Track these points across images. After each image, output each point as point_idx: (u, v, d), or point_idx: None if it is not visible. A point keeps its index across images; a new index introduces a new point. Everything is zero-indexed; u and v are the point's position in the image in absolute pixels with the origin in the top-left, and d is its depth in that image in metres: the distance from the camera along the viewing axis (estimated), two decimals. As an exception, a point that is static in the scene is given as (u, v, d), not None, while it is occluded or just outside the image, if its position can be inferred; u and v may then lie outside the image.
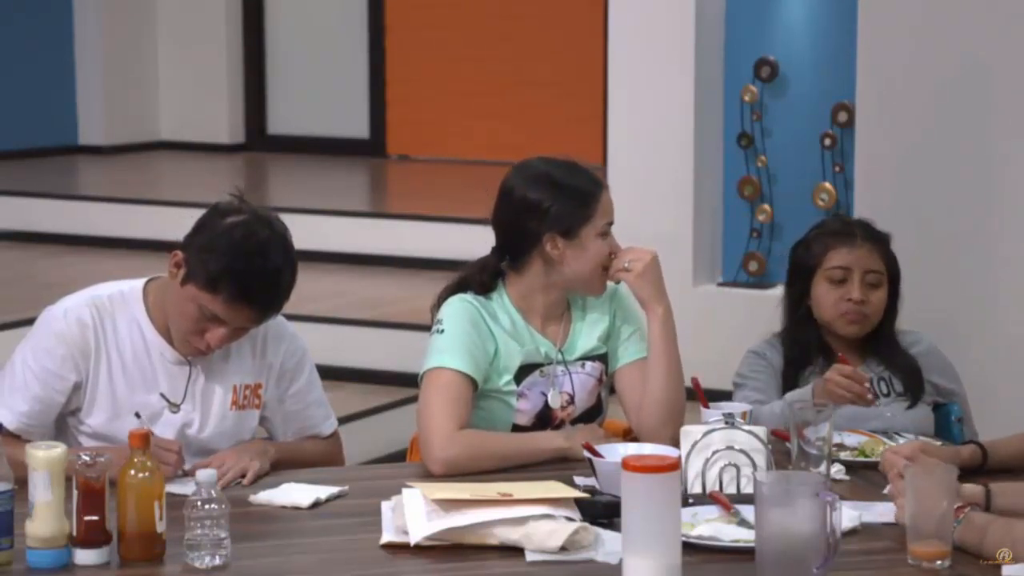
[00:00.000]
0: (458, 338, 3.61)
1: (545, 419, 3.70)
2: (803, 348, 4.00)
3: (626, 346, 3.78)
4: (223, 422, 3.56)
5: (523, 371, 3.68)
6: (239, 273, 3.37)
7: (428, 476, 3.47)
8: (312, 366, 3.72)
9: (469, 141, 10.66)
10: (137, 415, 3.47)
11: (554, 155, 3.77)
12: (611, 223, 3.70)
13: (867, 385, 3.80)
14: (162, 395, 3.52)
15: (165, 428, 3.49)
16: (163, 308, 3.50)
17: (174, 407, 3.52)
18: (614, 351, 3.79)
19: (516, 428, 3.68)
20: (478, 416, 3.66)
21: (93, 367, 3.47)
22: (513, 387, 3.67)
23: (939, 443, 3.62)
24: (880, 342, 4.01)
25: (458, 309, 3.66)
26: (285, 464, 3.55)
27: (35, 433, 3.41)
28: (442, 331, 3.63)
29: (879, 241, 4.05)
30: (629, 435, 3.84)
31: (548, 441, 3.59)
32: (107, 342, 3.48)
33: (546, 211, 3.64)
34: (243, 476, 3.41)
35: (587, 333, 3.77)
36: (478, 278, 3.72)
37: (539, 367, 3.69)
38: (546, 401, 3.69)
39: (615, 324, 3.79)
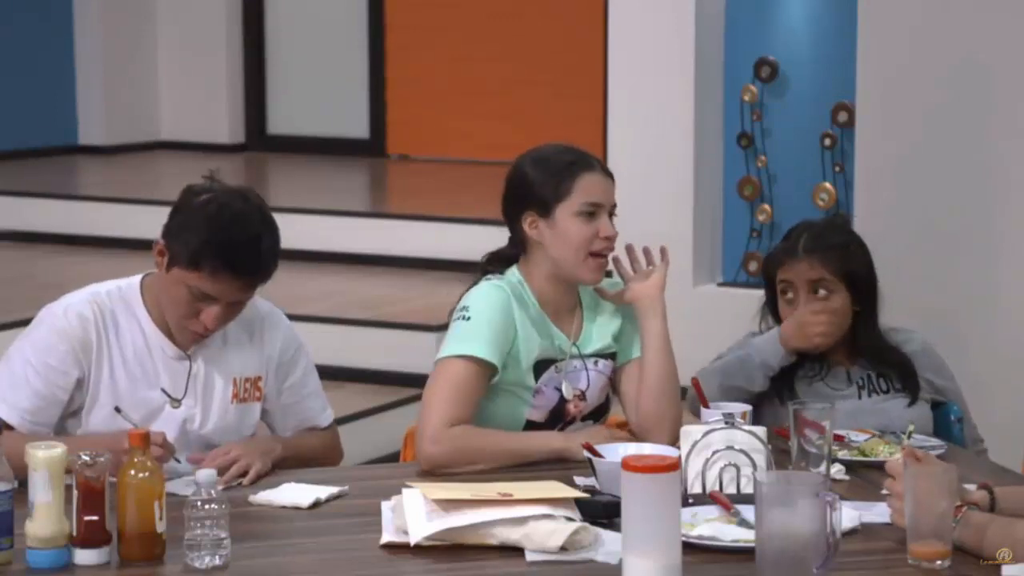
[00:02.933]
0: (483, 325, 3.58)
1: (558, 415, 3.70)
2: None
3: (632, 343, 3.78)
4: (225, 416, 3.56)
5: (540, 366, 3.67)
6: (218, 245, 3.37)
7: (428, 476, 3.47)
8: (308, 358, 3.72)
9: (469, 141, 10.66)
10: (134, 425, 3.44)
11: (566, 143, 3.75)
12: (597, 205, 3.63)
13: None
14: (163, 390, 3.51)
15: (166, 424, 3.48)
16: (160, 302, 3.50)
17: (175, 402, 3.52)
18: (624, 348, 3.78)
19: (530, 424, 3.67)
20: (493, 411, 3.65)
21: (95, 362, 3.46)
22: (532, 383, 3.65)
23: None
24: (864, 346, 4.00)
25: (487, 294, 3.63)
26: (290, 462, 3.55)
27: (36, 432, 3.40)
28: (468, 318, 3.60)
29: (826, 249, 3.96)
30: (624, 429, 3.85)
31: (544, 442, 3.58)
32: (108, 338, 3.48)
33: (520, 186, 3.65)
34: (244, 475, 3.41)
35: (600, 330, 3.76)
36: (491, 269, 3.71)
37: (554, 363, 3.68)
38: (560, 396, 3.69)
39: (625, 324, 3.78)
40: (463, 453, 3.50)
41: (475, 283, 3.71)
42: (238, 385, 3.58)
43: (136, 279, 3.56)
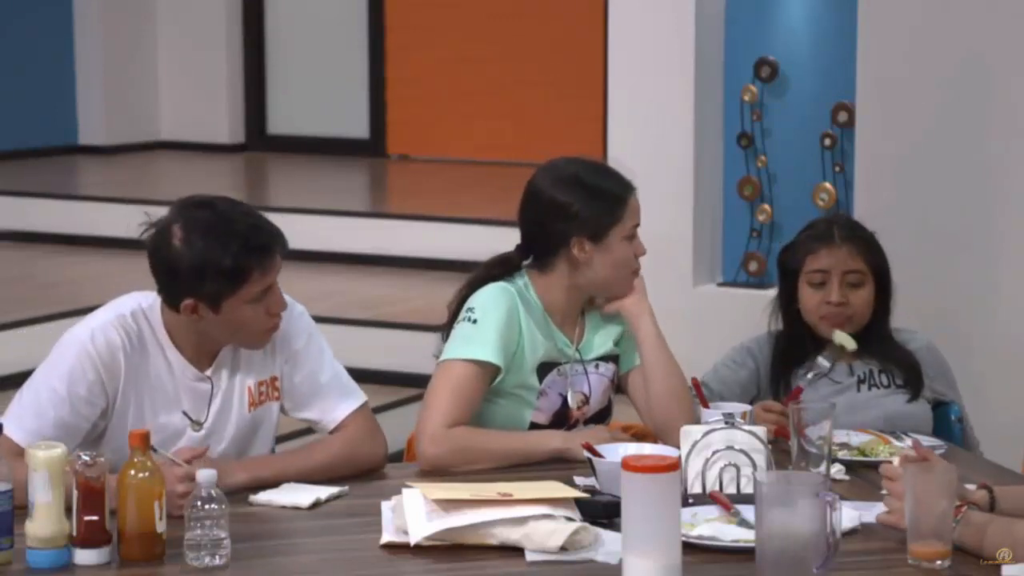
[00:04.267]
0: (489, 327, 3.59)
1: (562, 418, 3.71)
2: (795, 349, 4.01)
3: (634, 349, 3.79)
4: (241, 429, 3.50)
5: (543, 369, 3.68)
6: (241, 251, 3.31)
7: (428, 475, 3.47)
8: (321, 345, 3.60)
9: (469, 141, 10.66)
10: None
11: (582, 156, 3.78)
12: (638, 225, 3.71)
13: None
14: (184, 413, 3.45)
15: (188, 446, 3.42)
16: (181, 330, 3.40)
17: (196, 425, 3.46)
18: (625, 352, 3.79)
19: (534, 426, 3.68)
20: (497, 414, 3.66)
21: (122, 389, 3.38)
22: (536, 385, 3.66)
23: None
24: (874, 339, 4.02)
25: (494, 297, 3.64)
26: (292, 479, 3.41)
27: None
28: (474, 320, 3.61)
29: (860, 240, 4.03)
30: (629, 432, 3.85)
31: (544, 442, 3.58)
32: (135, 362, 3.39)
33: (575, 214, 3.65)
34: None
35: (603, 335, 3.77)
36: (496, 272, 3.71)
37: (557, 366, 3.69)
38: (564, 400, 3.69)
39: (627, 329, 3.78)
40: (463, 453, 3.51)
41: (474, 282, 3.71)
42: (252, 392, 3.51)
43: (155, 300, 3.45)
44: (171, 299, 3.38)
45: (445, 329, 3.70)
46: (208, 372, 3.46)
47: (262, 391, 3.52)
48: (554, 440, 3.58)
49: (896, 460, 3.19)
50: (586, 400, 3.73)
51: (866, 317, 4.01)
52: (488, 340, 3.58)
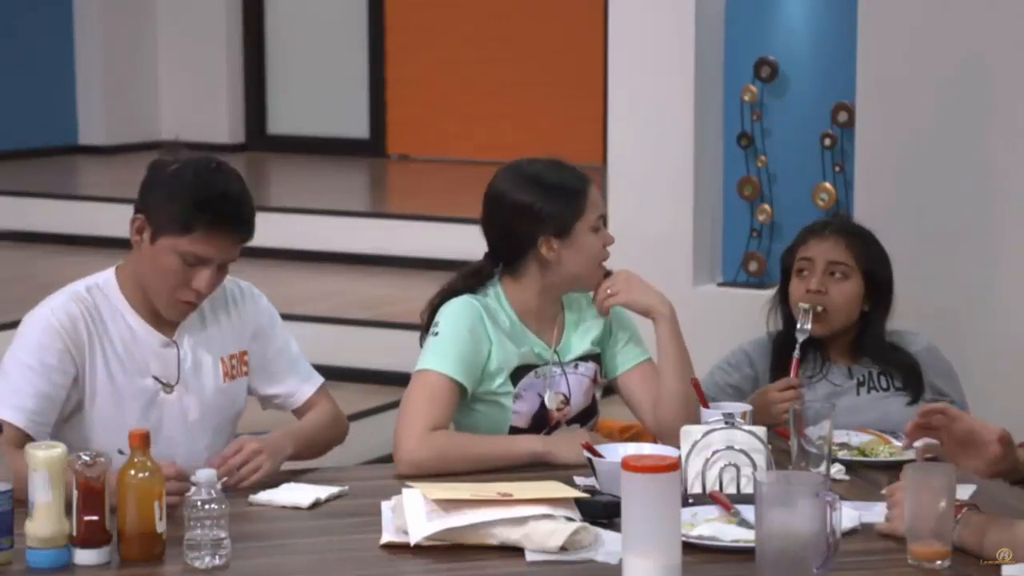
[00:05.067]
0: (452, 343, 3.60)
1: (542, 420, 3.70)
2: (792, 348, 4.00)
3: (625, 351, 3.79)
4: (216, 397, 3.56)
5: (519, 372, 3.67)
6: (206, 203, 3.38)
7: (415, 479, 3.46)
8: (282, 326, 3.70)
9: (469, 141, 10.66)
10: (120, 451, 3.27)
11: (538, 156, 3.77)
12: (601, 216, 3.71)
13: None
14: (155, 378, 3.50)
15: (162, 411, 3.48)
16: (141, 290, 3.49)
17: (167, 388, 3.50)
18: (612, 357, 3.79)
19: (513, 430, 3.67)
20: (474, 419, 3.66)
21: (89, 358, 3.44)
22: (510, 388, 3.66)
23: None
24: (868, 341, 4.02)
25: (458, 311, 3.65)
26: (303, 454, 3.57)
27: (41, 434, 3.37)
28: (437, 334, 3.63)
29: (850, 234, 4.05)
30: (625, 434, 3.85)
31: (523, 444, 3.57)
32: (98, 332, 3.46)
33: (538, 213, 3.64)
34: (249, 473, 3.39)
35: (581, 336, 3.77)
36: (471, 283, 3.71)
37: (534, 368, 3.69)
38: (542, 402, 3.69)
39: (610, 330, 3.79)
40: (445, 458, 3.50)
41: (446, 293, 3.72)
42: (226, 364, 3.57)
43: (109, 273, 3.54)
44: (136, 210, 3.47)
45: (422, 335, 3.72)
46: (173, 337, 3.52)
47: (232, 364, 3.59)
48: (534, 443, 3.57)
49: (900, 456, 3.17)
50: (567, 401, 3.72)
51: (850, 314, 3.99)
52: (450, 357, 3.59)
